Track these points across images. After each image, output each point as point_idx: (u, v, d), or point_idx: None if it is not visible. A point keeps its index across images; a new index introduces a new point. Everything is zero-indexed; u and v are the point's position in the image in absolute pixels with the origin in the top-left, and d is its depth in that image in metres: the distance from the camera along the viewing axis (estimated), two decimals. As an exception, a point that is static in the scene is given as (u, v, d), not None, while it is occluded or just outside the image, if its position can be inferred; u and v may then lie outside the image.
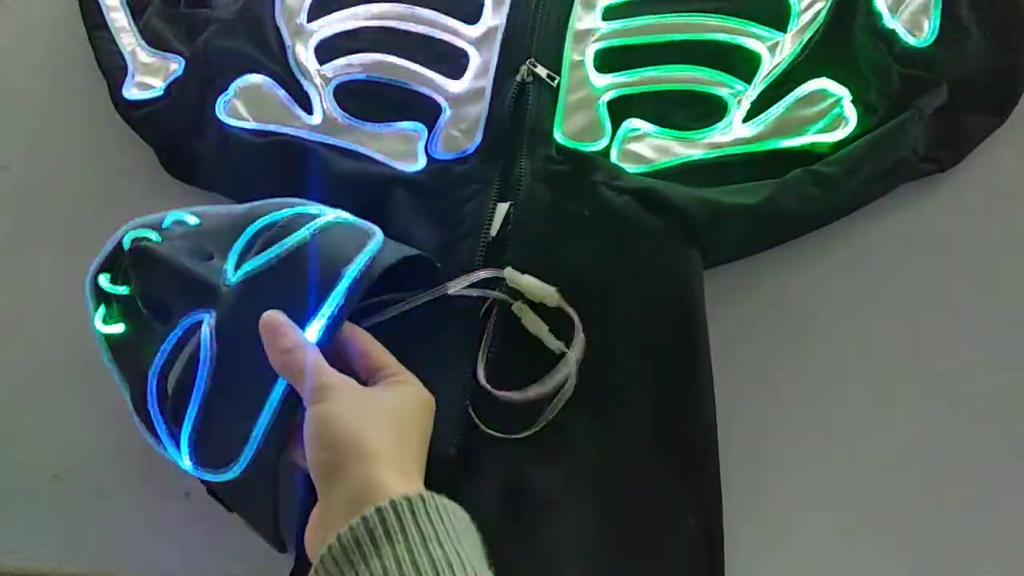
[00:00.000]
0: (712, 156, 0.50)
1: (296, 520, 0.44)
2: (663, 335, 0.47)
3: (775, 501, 0.46)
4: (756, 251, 0.51)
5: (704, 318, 0.47)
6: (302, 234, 0.42)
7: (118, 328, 0.45)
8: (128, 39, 0.59)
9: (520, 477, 0.45)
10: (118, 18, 0.61)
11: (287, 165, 0.52)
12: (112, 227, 0.47)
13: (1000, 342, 0.48)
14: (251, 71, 0.55)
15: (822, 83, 0.51)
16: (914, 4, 0.51)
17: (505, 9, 0.55)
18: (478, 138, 0.52)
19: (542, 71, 0.53)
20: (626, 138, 0.51)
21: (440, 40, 0.55)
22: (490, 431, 0.46)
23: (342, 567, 0.34)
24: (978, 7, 0.51)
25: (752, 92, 0.51)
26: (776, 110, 0.51)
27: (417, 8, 0.56)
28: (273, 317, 0.39)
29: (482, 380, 0.46)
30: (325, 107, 0.54)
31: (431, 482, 0.38)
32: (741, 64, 0.52)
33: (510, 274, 0.47)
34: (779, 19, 0.53)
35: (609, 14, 0.54)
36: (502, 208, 0.50)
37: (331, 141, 0.53)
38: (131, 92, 0.57)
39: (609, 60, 0.53)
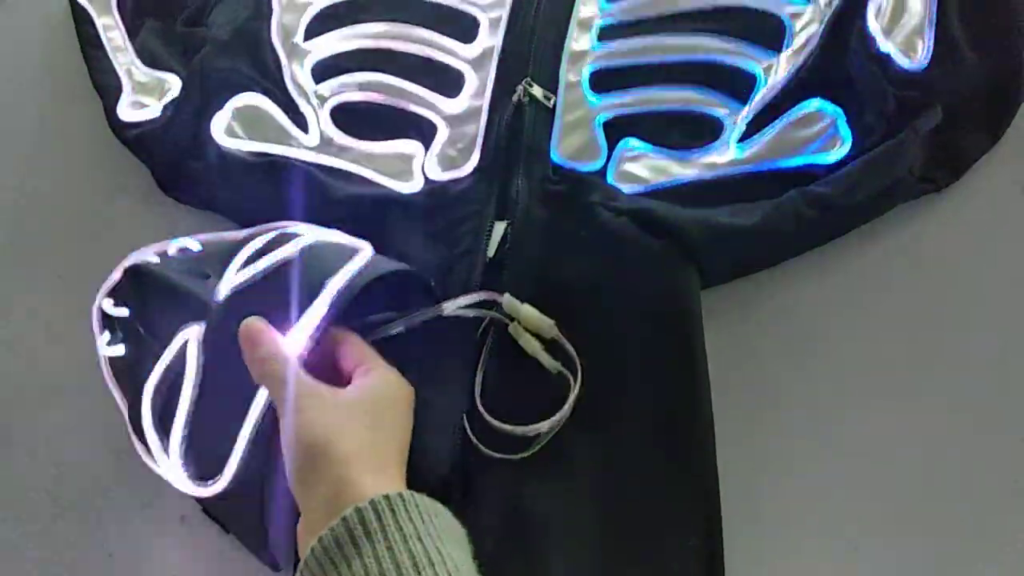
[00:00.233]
0: (708, 177, 0.50)
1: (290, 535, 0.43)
2: (661, 355, 0.47)
3: (775, 520, 0.46)
4: (753, 271, 0.51)
5: (702, 338, 0.47)
6: (288, 250, 0.43)
7: (119, 350, 0.45)
8: (123, 58, 0.60)
9: (519, 497, 0.45)
10: (114, 37, 0.61)
11: (283, 187, 0.52)
12: (106, 245, 0.47)
13: (1000, 358, 0.48)
14: (247, 91, 0.55)
15: (817, 104, 0.51)
16: (908, 26, 0.51)
17: (501, 30, 0.55)
18: (475, 158, 0.52)
19: (538, 91, 0.53)
20: (622, 158, 0.52)
21: (436, 60, 0.55)
22: (488, 452, 0.45)
23: (325, 568, 0.34)
24: (971, 28, 0.52)
25: (747, 112, 0.52)
26: (771, 131, 0.51)
27: (413, 28, 0.56)
28: (253, 324, 0.40)
29: (479, 406, 0.46)
30: (321, 127, 0.54)
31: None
32: (736, 84, 0.52)
33: (508, 302, 0.47)
34: (774, 39, 0.53)
35: (605, 35, 0.55)
36: (500, 227, 0.50)
37: (327, 162, 0.53)
38: (126, 112, 0.57)
39: (605, 80, 0.53)
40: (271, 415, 0.39)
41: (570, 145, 0.52)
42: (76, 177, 0.59)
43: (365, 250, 0.44)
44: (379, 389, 0.40)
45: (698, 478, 0.45)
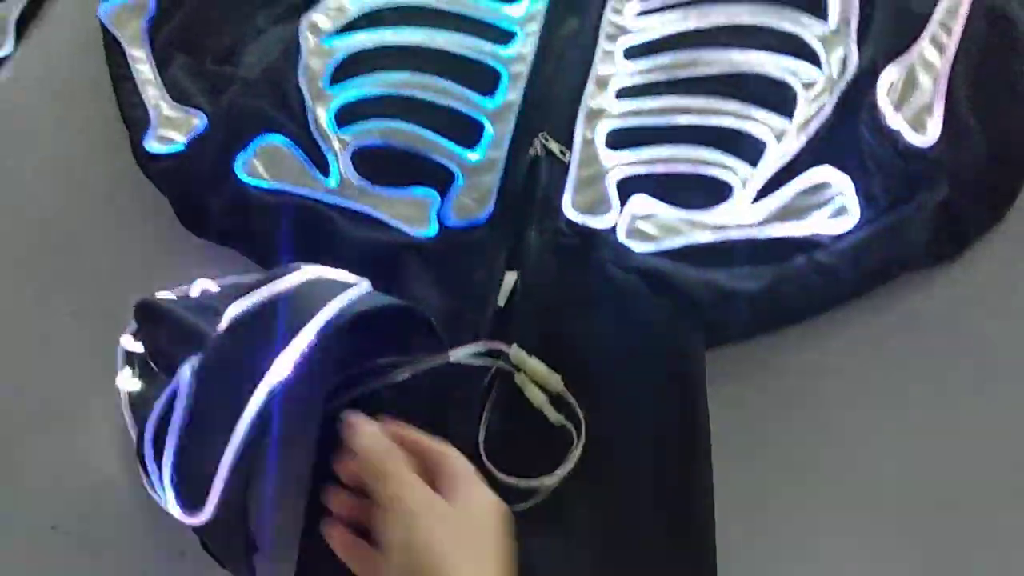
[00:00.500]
0: (717, 240, 0.51)
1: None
2: (664, 414, 0.47)
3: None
4: (757, 334, 0.51)
5: (705, 399, 0.47)
6: (286, 283, 0.43)
7: (136, 384, 0.46)
8: (153, 91, 0.61)
9: (516, 550, 0.45)
10: (144, 70, 0.62)
11: (300, 226, 0.53)
12: (123, 276, 0.48)
13: (1003, 427, 0.48)
14: (272, 131, 0.57)
15: (826, 172, 0.52)
16: (917, 103, 0.52)
17: (522, 85, 0.57)
18: (490, 207, 0.53)
19: (554, 146, 0.54)
20: (634, 215, 0.53)
21: (457, 111, 0.57)
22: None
23: None
24: (978, 106, 0.53)
25: (757, 176, 0.52)
26: (781, 195, 0.52)
27: (437, 78, 0.57)
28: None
29: (482, 455, 0.46)
30: (342, 170, 0.56)
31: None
32: (748, 148, 0.53)
33: (516, 353, 0.48)
34: (786, 105, 0.54)
35: (622, 94, 0.56)
36: (510, 278, 0.51)
37: (345, 204, 0.54)
38: (152, 144, 0.58)
39: (620, 138, 0.55)
40: (251, 444, 0.39)
41: (583, 200, 0.53)
42: (99, 207, 0.60)
43: (361, 284, 0.44)
44: (485, 511, 0.40)
45: (696, 538, 0.45)
